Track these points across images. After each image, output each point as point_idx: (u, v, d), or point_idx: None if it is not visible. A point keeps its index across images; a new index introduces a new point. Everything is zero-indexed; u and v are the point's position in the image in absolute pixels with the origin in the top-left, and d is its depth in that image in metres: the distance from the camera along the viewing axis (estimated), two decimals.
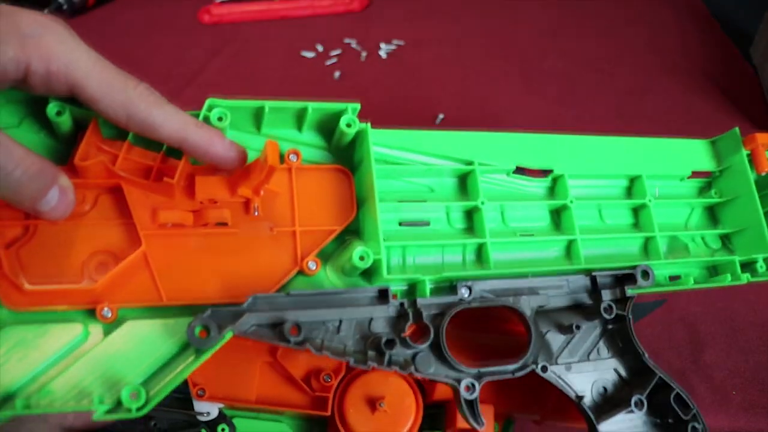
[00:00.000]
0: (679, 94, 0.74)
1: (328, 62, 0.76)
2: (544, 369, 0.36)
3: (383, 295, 0.34)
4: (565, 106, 0.73)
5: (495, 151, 0.39)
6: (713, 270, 0.42)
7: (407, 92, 0.73)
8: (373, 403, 0.40)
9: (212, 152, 0.32)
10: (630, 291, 0.37)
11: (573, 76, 0.76)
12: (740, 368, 0.53)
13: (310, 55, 0.77)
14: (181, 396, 0.40)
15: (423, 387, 0.42)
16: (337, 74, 0.75)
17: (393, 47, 0.79)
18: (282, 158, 0.35)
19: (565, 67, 0.77)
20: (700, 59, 0.78)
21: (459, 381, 0.35)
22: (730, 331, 0.55)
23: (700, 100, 0.74)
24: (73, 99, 0.31)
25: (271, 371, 0.41)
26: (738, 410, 0.50)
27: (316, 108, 0.35)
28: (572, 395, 0.37)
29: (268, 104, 0.34)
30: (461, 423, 0.39)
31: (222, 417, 0.40)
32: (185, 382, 0.38)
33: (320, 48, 0.78)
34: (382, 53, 0.78)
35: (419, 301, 0.34)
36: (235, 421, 0.41)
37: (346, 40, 0.79)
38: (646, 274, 0.37)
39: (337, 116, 0.35)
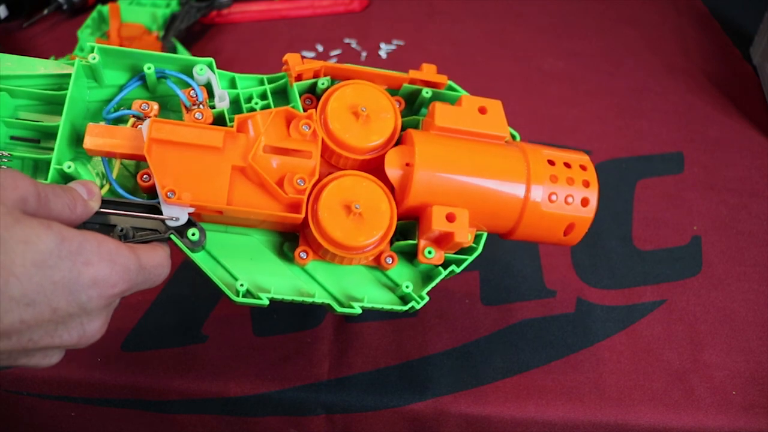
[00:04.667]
0: (679, 94, 0.74)
1: (329, 62, 0.76)
2: None
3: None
4: (565, 106, 0.73)
5: None
6: None
7: None
8: (347, 207, 0.40)
9: None
10: None
11: (573, 76, 0.76)
12: (740, 368, 0.53)
13: (310, 55, 0.77)
14: (148, 203, 0.39)
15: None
16: None
17: (393, 47, 0.79)
18: None
19: (565, 67, 0.77)
20: (700, 59, 0.78)
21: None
22: (730, 331, 0.55)
23: (700, 100, 0.74)
24: None
25: (243, 176, 0.40)
26: (738, 410, 0.50)
27: None
28: None
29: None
30: (436, 227, 0.40)
31: (191, 222, 0.39)
32: (154, 188, 0.38)
33: (320, 48, 0.78)
34: (382, 53, 0.78)
35: None
36: None
37: (346, 40, 0.79)
38: None
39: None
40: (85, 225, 0.37)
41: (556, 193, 0.42)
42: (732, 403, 0.51)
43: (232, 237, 0.43)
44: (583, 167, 0.44)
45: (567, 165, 0.43)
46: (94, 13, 0.74)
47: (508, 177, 0.42)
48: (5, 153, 0.41)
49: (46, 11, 0.79)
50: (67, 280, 0.31)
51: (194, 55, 0.75)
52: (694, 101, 0.74)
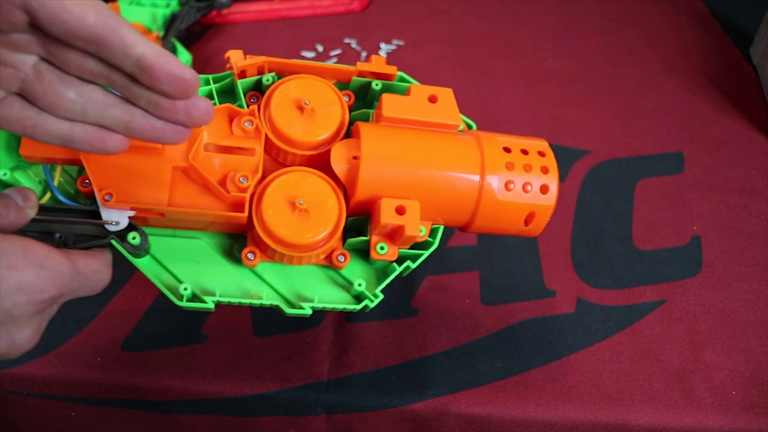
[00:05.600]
0: (679, 94, 0.74)
1: (328, 62, 0.76)
2: None
3: None
4: (565, 106, 0.73)
5: None
6: None
7: None
8: (292, 203, 0.39)
9: (171, 71, 0.30)
10: None
11: (573, 76, 0.76)
12: (740, 368, 0.53)
13: (310, 55, 0.77)
14: (88, 208, 0.38)
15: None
16: None
17: (393, 47, 0.79)
18: None
19: (565, 67, 0.77)
20: (700, 59, 0.78)
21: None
22: (730, 331, 0.55)
23: (700, 100, 0.74)
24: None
25: (184, 177, 0.39)
26: (738, 410, 0.50)
27: None
28: None
29: None
30: (385, 220, 0.39)
31: (132, 226, 0.38)
32: (93, 193, 0.37)
33: (320, 48, 0.78)
34: (382, 53, 0.78)
35: None
36: (150, 240, 0.39)
37: (346, 40, 0.79)
38: None
39: None
40: (24, 233, 0.36)
41: (513, 182, 0.41)
42: (732, 403, 0.51)
43: (180, 241, 0.41)
44: (541, 153, 0.42)
45: (524, 152, 0.42)
46: None
47: (460, 166, 0.40)
48: None
49: None
50: None
51: (194, 55, 0.75)
52: (694, 101, 0.74)
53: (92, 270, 0.35)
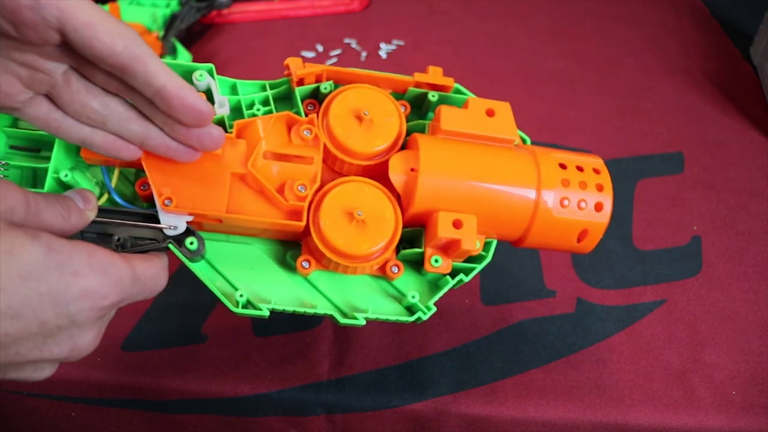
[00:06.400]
0: (679, 94, 0.74)
1: (328, 62, 0.76)
2: None
3: None
4: (565, 106, 0.73)
5: None
6: None
7: None
8: (350, 214, 0.39)
9: (189, 104, 0.33)
10: None
11: (573, 76, 0.76)
12: (740, 368, 0.53)
13: (310, 55, 0.77)
14: (146, 212, 0.38)
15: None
16: None
17: (393, 47, 0.79)
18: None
19: (565, 67, 0.77)
20: (700, 59, 0.78)
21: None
22: (730, 331, 0.55)
23: (700, 100, 0.74)
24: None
25: (243, 184, 0.39)
26: (738, 410, 0.50)
27: None
28: None
29: None
30: (442, 234, 0.39)
31: (190, 231, 0.38)
32: (153, 197, 0.38)
33: (320, 48, 0.78)
34: (382, 53, 0.78)
35: None
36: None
37: (346, 40, 0.79)
38: None
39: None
40: (83, 234, 0.36)
41: (568, 198, 0.40)
42: (732, 403, 0.51)
43: (234, 246, 0.42)
44: (596, 171, 0.42)
45: (579, 168, 0.41)
46: None
47: (517, 181, 0.40)
48: (2, 162, 0.41)
49: None
50: (54, 292, 0.30)
51: (194, 55, 0.75)
52: (694, 101, 0.74)
53: (150, 275, 0.35)
